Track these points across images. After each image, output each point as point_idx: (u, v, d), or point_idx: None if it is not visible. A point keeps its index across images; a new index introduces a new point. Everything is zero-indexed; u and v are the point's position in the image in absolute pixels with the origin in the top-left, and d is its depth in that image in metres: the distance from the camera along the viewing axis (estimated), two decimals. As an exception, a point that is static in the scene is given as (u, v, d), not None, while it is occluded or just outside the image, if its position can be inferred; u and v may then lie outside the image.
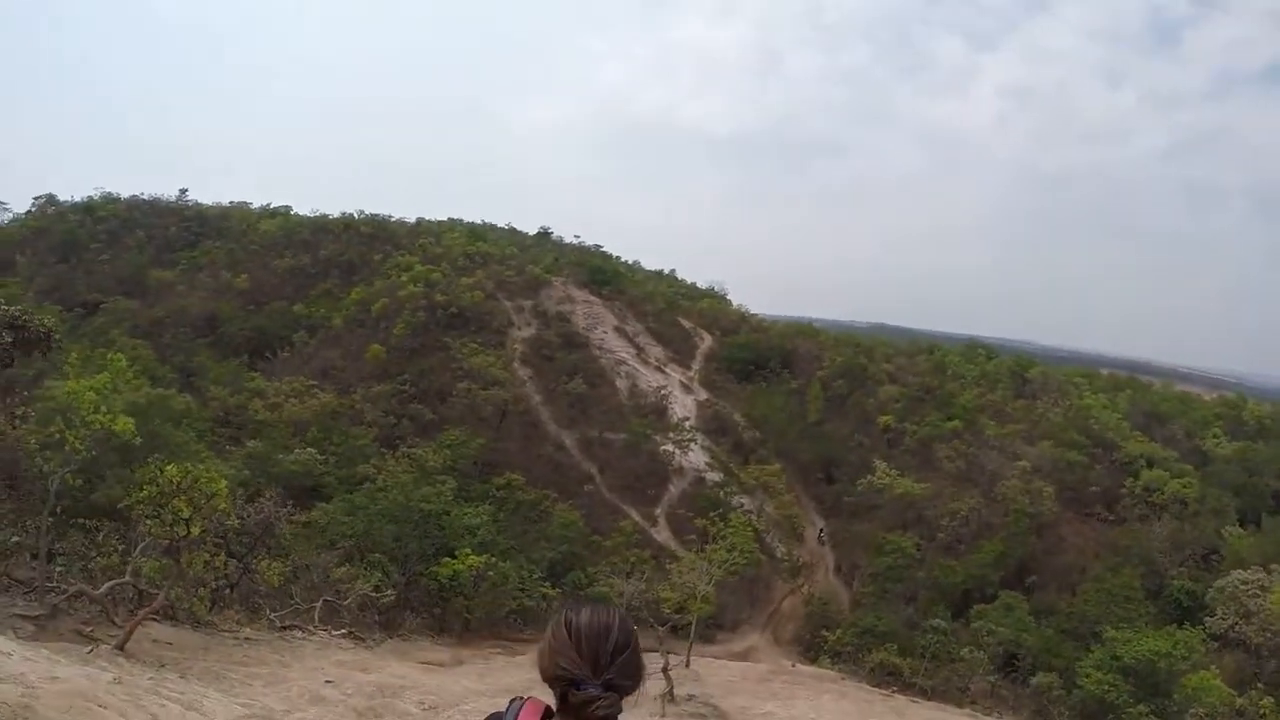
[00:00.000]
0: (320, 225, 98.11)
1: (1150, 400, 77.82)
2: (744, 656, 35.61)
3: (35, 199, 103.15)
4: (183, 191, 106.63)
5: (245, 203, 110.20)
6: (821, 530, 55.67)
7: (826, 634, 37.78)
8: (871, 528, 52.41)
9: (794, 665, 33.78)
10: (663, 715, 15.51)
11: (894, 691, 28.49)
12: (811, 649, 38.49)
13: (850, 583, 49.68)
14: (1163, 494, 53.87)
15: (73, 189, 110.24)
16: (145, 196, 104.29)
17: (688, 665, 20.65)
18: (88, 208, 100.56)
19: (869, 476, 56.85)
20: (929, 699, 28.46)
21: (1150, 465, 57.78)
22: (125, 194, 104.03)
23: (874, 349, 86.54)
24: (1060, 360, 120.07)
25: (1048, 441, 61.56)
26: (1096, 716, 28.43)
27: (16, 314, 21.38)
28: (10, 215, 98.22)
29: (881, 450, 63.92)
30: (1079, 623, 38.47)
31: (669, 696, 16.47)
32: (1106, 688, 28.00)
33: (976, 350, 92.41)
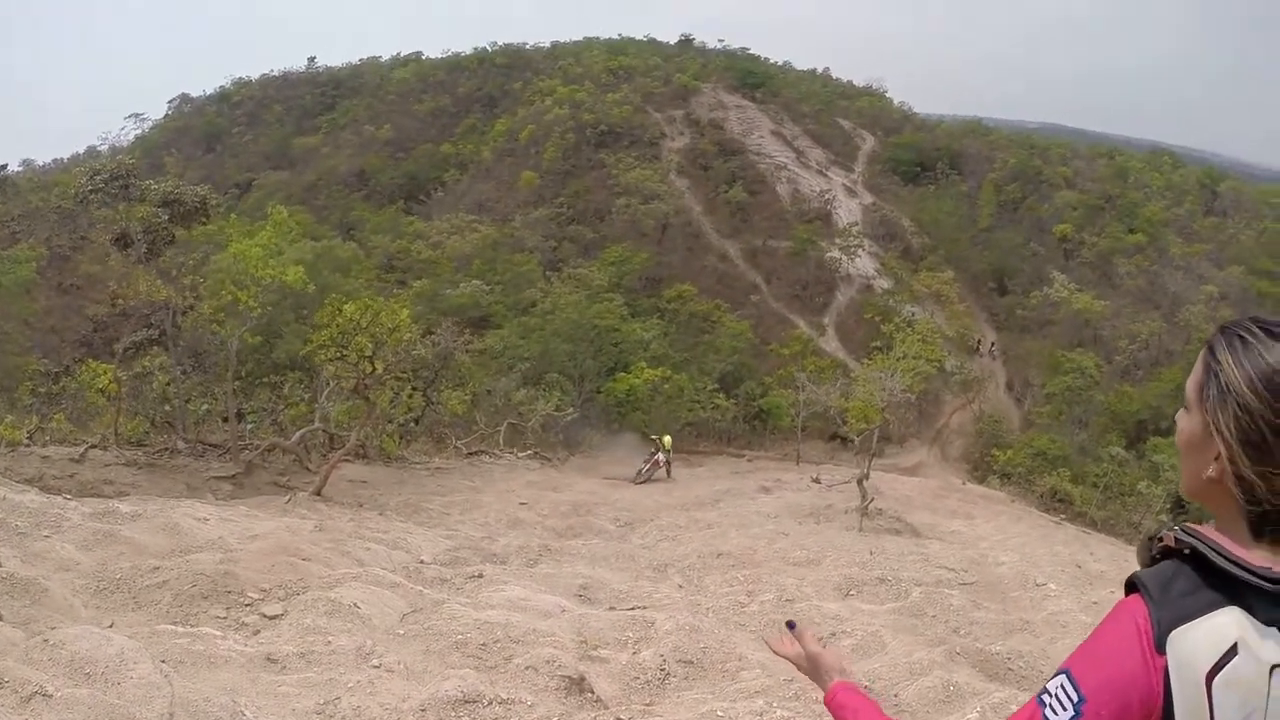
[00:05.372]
0: (454, 64, 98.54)
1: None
2: (913, 472, 35.19)
3: (170, 101, 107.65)
4: (311, 59, 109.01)
5: (375, 57, 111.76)
6: (992, 344, 53.56)
7: (996, 453, 36.51)
8: (1045, 344, 50.17)
9: (964, 483, 33.21)
10: (860, 529, 15.44)
11: (1063, 519, 27.68)
12: (980, 468, 37.43)
13: (1021, 401, 47.96)
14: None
15: (204, 84, 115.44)
16: (276, 72, 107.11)
17: (867, 478, 20.50)
18: (222, 97, 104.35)
19: (1045, 289, 54.13)
20: (1098, 530, 27.44)
21: (1356, 302, 52.26)
22: (255, 76, 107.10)
23: (1049, 150, 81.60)
24: (1254, 177, 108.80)
25: (1238, 267, 57.32)
26: None
27: (169, 190, 21.88)
28: (150, 123, 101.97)
29: (1058, 262, 60.80)
30: None
31: (864, 510, 16.38)
32: None
33: (1161, 158, 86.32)
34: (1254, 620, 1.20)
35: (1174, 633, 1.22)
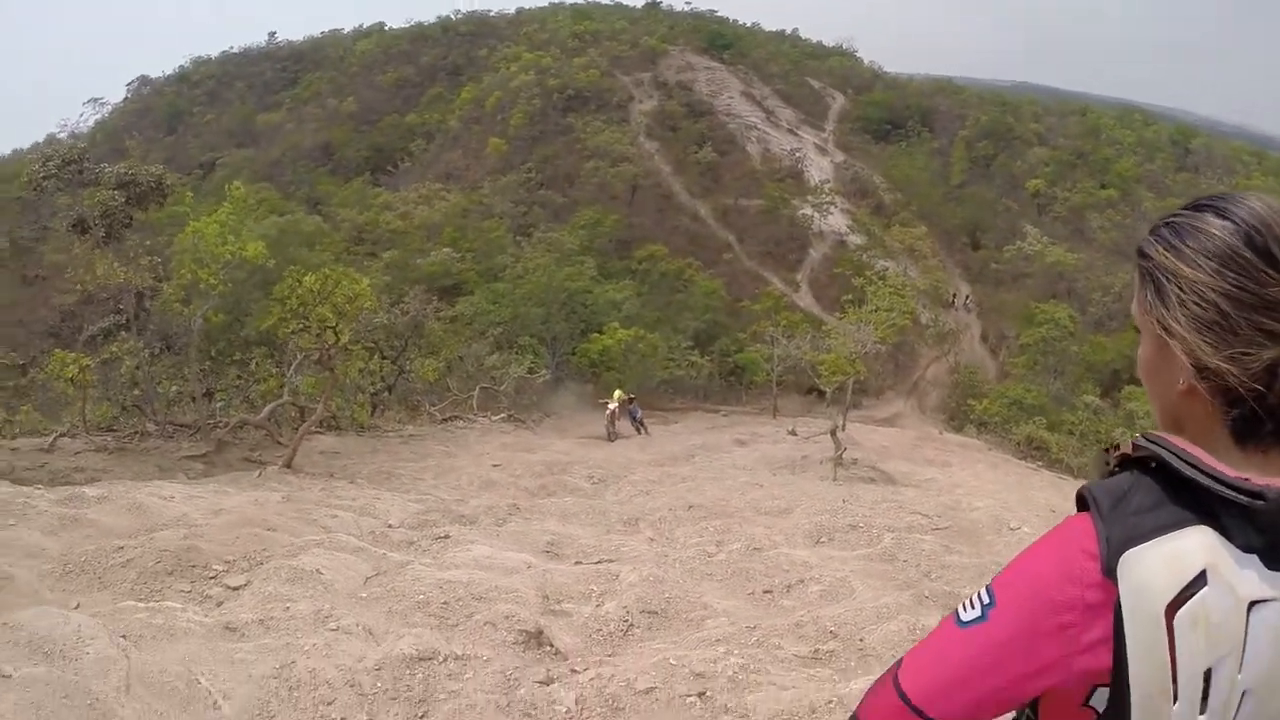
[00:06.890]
0: (418, 34, 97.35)
1: (1330, 190, 71.42)
2: (890, 423, 35.36)
3: (128, 84, 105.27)
4: (272, 34, 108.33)
5: (337, 29, 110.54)
6: (967, 297, 53.89)
7: (973, 403, 36.93)
8: (1020, 297, 50.69)
9: (941, 433, 33.44)
10: (834, 478, 15.40)
11: (1039, 466, 27.84)
12: (956, 418, 37.79)
13: (996, 352, 48.42)
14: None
15: (163, 66, 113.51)
16: (236, 50, 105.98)
17: (843, 429, 20.44)
18: (182, 77, 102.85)
19: (1018, 243, 54.44)
20: (1074, 477, 27.63)
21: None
22: (215, 54, 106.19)
23: (1020, 108, 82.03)
24: (1225, 135, 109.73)
25: (1212, 221, 58.00)
26: None
27: (123, 171, 21.28)
28: (109, 108, 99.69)
29: (1030, 216, 61.19)
30: None
31: (839, 460, 16.34)
32: None
33: (1133, 115, 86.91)
34: (1228, 544, 1.00)
35: (1127, 554, 1.01)
